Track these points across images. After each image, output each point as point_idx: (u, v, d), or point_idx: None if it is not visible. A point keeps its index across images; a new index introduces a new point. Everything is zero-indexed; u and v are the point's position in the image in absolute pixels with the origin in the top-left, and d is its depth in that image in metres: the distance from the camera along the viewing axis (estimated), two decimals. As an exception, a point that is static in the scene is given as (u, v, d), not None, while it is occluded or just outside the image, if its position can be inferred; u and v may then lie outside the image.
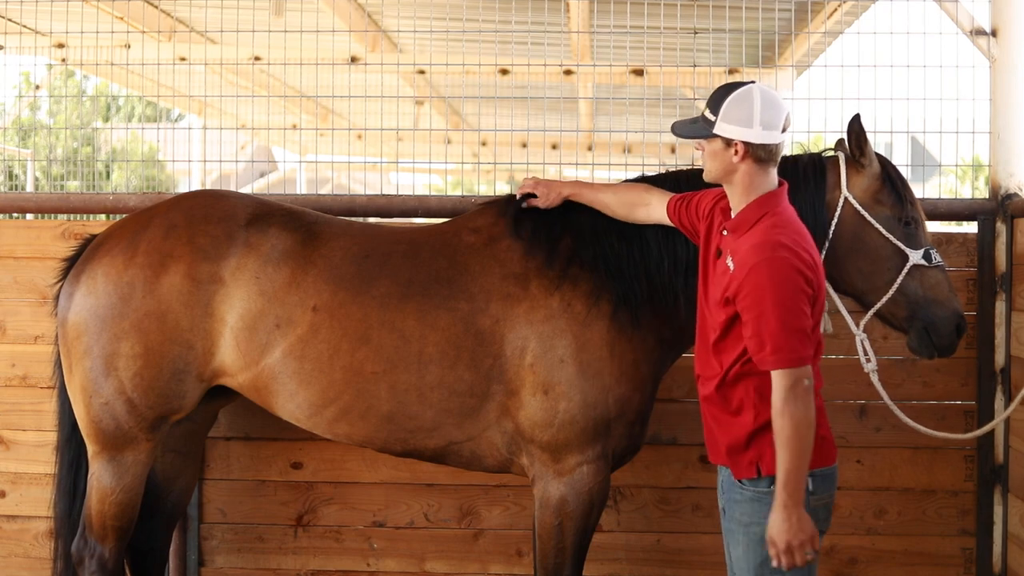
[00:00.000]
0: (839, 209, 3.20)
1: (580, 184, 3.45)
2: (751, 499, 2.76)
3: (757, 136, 2.76)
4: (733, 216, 2.84)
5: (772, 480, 2.69)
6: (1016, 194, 4.09)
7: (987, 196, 4.21)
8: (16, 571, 4.26)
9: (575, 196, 3.40)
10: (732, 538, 2.82)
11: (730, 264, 2.77)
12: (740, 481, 2.79)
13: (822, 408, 2.79)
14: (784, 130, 2.82)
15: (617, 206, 3.34)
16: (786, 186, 2.88)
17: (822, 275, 2.77)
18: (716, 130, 2.79)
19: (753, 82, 2.84)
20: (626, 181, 3.49)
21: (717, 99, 2.81)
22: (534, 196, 3.44)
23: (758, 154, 2.77)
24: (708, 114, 2.82)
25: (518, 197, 3.46)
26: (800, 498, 2.62)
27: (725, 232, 2.86)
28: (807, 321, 2.67)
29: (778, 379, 2.63)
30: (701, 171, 2.98)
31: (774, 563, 2.64)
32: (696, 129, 2.85)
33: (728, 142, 2.78)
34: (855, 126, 3.20)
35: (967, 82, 4.22)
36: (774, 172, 2.84)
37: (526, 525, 4.12)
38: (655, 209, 3.26)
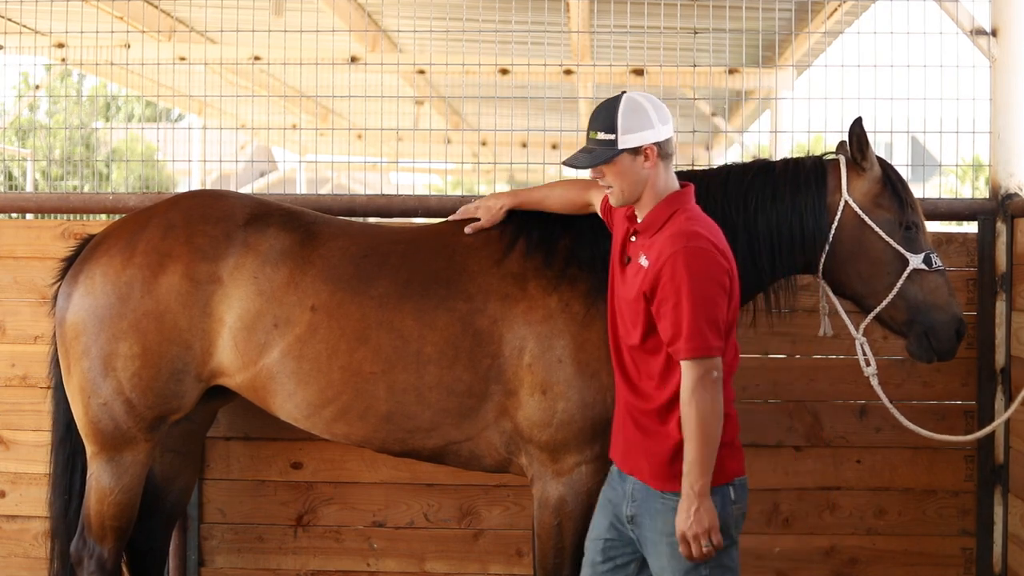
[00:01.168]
0: (839, 212, 3.20)
1: (519, 193, 3.44)
2: (674, 509, 2.70)
3: (661, 133, 2.79)
4: (641, 219, 2.85)
5: (723, 486, 2.74)
6: (1016, 194, 4.09)
7: (987, 196, 4.21)
8: (16, 571, 4.26)
9: (517, 205, 3.41)
10: (652, 548, 2.79)
11: (644, 262, 2.76)
12: (662, 492, 2.76)
13: (735, 418, 2.79)
14: (672, 124, 2.87)
15: (563, 207, 3.36)
16: (692, 188, 2.89)
17: (735, 272, 2.77)
18: (621, 145, 2.76)
19: (624, 92, 2.86)
20: (564, 183, 3.46)
21: (606, 118, 2.80)
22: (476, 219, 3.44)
23: (666, 151, 2.81)
24: (603, 136, 2.78)
25: (454, 220, 3.47)
26: (703, 489, 2.63)
27: (634, 238, 2.86)
28: (722, 313, 2.68)
29: (688, 369, 2.64)
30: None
31: (681, 549, 2.65)
32: (600, 154, 2.79)
33: (635, 152, 2.77)
34: (857, 129, 3.20)
35: (967, 82, 4.22)
36: (673, 169, 2.87)
37: (526, 525, 4.12)
38: (595, 209, 3.29)
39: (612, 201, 2.88)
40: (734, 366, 2.83)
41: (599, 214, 3.24)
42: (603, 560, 2.92)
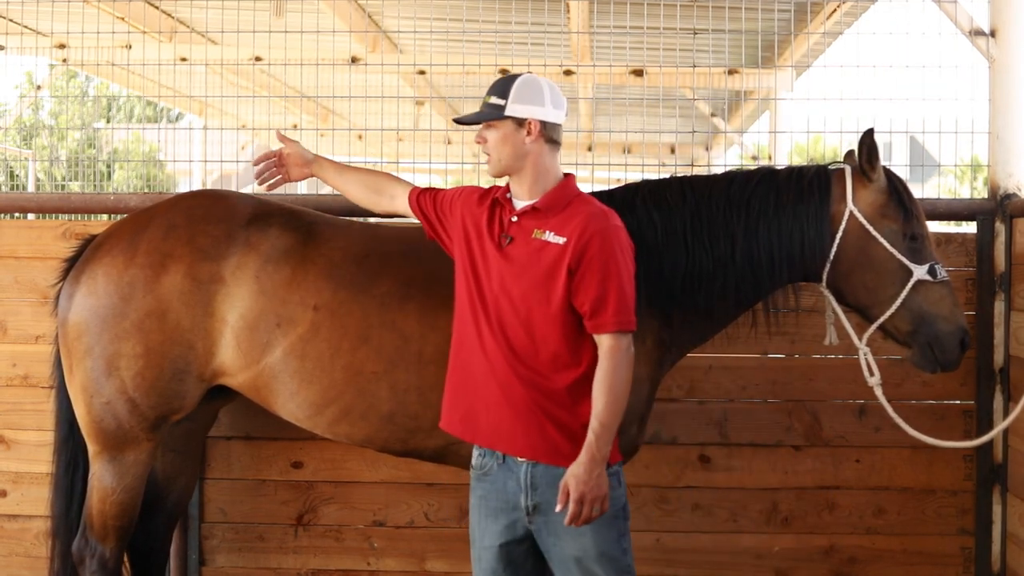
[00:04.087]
0: (844, 222, 3.21)
1: (327, 162, 3.44)
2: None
3: (550, 115, 2.83)
4: (529, 201, 2.84)
5: (616, 465, 2.79)
6: (1015, 194, 4.09)
7: (986, 196, 4.22)
8: (17, 570, 4.26)
9: (318, 173, 3.41)
10: (569, 529, 2.72)
11: (553, 238, 2.77)
12: None
13: None
14: (565, 115, 2.90)
15: (359, 191, 3.35)
16: (574, 177, 2.94)
17: None
18: (508, 111, 2.81)
19: (529, 72, 2.91)
20: (370, 170, 3.46)
21: (502, 86, 2.85)
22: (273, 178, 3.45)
23: (550, 135, 2.84)
24: (495, 100, 2.83)
25: (255, 168, 3.46)
26: (605, 456, 2.67)
27: (516, 218, 2.84)
28: (634, 293, 2.78)
29: (613, 340, 2.71)
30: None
31: (558, 508, 2.64)
32: (484, 114, 2.85)
33: (520, 123, 2.81)
34: (868, 140, 3.20)
35: (966, 82, 4.24)
36: (559, 159, 2.90)
37: (526, 524, 4.12)
38: (399, 200, 3.26)
39: (489, 169, 2.90)
40: None
41: (411, 209, 3.20)
42: (505, 566, 2.84)
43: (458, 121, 2.95)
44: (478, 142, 2.91)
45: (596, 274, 2.71)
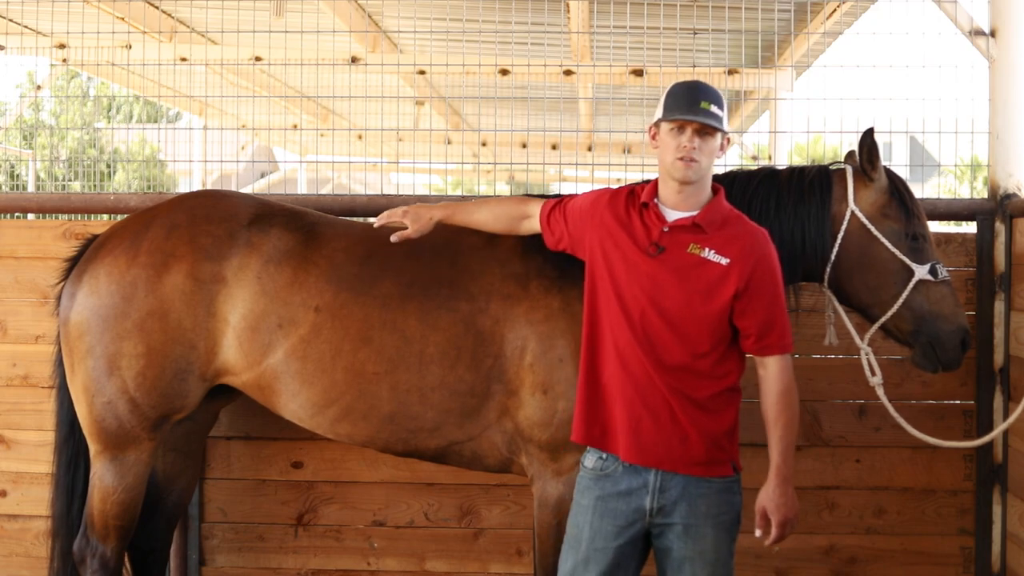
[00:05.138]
0: (845, 222, 3.21)
1: (452, 206, 3.31)
2: (720, 491, 2.79)
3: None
4: (684, 213, 2.82)
5: (738, 473, 2.86)
6: (1015, 194, 4.09)
7: (986, 196, 4.22)
8: (17, 570, 4.27)
9: (447, 219, 3.28)
10: (692, 532, 2.76)
11: (712, 256, 2.77)
12: (708, 478, 2.79)
13: None
14: None
15: (495, 223, 3.25)
16: (723, 191, 2.95)
17: None
18: (724, 126, 2.81)
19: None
20: (496, 200, 3.34)
21: (715, 96, 2.80)
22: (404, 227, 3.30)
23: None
24: (715, 110, 2.77)
25: (378, 227, 3.31)
26: (793, 472, 2.79)
27: (667, 229, 2.82)
28: None
29: (783, 362, 2.83)
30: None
31: (758, 533, 2.73)
32: (722, 121, 2.79)
33: (723, 136, 2.83)
34: (868, 140, 3.21)
35: (966, 82, 4.23)
36: None
37: (526, 524, 4.13)
38: (534, 221, 3.19)
39: (689, 174, 2.77)
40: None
41: (539, 224, 3.16)
42: (615, 568, 2.83)
43: (701, 120, 2.74)
44: (689, 145, 2.75)
45: (765, 298, 2.78)
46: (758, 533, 2.75)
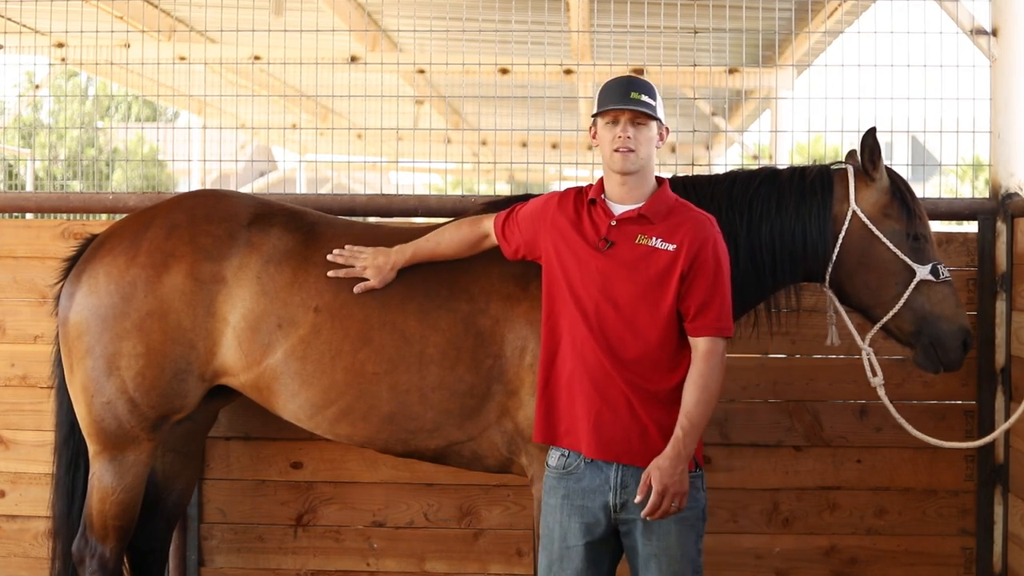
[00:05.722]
0: (847, 222, 3.21)
1: (410, 246, 3.30)
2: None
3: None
4: (630, 205, 2.87)
5: (699, 469, 2.85)
6: (1016, 194, 4.08)
7: (987, 196, 4.21)
8: (16, 571, 4.26)
9: (410, 261, 3.29)
10: (655, 528, 2.78)
11: (659, 244, 2.80)
12: None
13: None
14: None
15: (458, 249, 3.27)
16: (668, 182, 2.99)
17: None
18: (659, 114, 2.86)
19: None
20: (448, 227, 3.34)
21: (647, 88, 2.85)
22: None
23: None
24: (647, 99, 2.82)
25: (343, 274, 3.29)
26: (690, 454, 2.74)
27: (615, 223, 2.86)
28: None
29: (711, 344, 2.79)
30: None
31: (638, 499, 2.71)
32: (654, 108, 2.84)
33: (659, 126, 2.88)
34: (869, 140, 3.20)
35: (967, 82, 4.22)
36: None
37: (526, 525, 4.12)
38: (492, 238, 3.22)
39: (627, 165, 2.83)
40: None
41: (497, 239, 3.18)
42: (588, 566, 2.85)
43: (632, 107, 2.81)
44: (624, 135, 2.82)
45: (706, 279, 2.78)
46: (638, 499, 2.71)
